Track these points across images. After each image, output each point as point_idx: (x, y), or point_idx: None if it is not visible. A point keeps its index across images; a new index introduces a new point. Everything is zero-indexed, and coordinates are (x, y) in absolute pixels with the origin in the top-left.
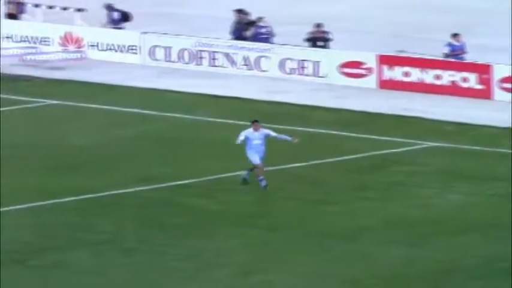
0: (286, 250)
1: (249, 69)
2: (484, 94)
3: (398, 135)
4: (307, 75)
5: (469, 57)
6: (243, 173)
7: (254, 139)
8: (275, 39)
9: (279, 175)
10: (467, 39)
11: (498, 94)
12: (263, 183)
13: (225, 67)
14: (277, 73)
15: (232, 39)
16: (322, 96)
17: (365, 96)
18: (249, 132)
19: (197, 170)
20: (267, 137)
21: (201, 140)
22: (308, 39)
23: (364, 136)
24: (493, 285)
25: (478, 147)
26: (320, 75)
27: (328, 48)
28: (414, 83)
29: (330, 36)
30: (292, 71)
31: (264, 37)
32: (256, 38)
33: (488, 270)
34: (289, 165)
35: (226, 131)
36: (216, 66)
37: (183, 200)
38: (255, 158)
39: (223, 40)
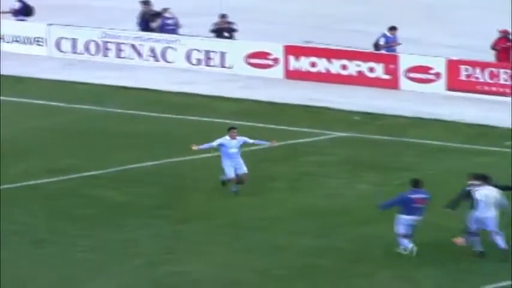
0: (196, 241)
1: (156, 61)
2: (391, 84)
3: (306, 125)
4: (213, 66)
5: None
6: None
7: (231, 147)
8: (181, 31)
9: (187, 166)
10: (379, 29)
11: (405, 84)
12: (234, 188)
13: (131, 58)
14: (184, 64)
15: (138, 30)
16: (229, 86)
17: (272, 87)
18: (225, 140)
19: (105, 162)
20: (242, 145)
21: (110, 131)
22: (214, 30)
23: (272, 127)
24: (401, 274)
25: (385, 137)
26: (226, 66)
27: (233, 39)
28: (321, 73)
29: (235, 27)
30: (198, 62)
31: (170, 28)
32: (162, 29)
33: (396, 260)
34: (196, 156)
35: (134, 123)
36: (122, 57)
37: (91, 192)
38: (230, 171)
39: (130, 31)
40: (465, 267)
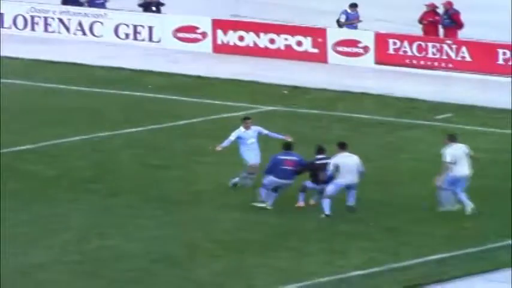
0: (126, 215)
1: (84, 35)
2: (319, 58)
3: (234, 99)
4: (141, 40)
5: (304, 21)
6: (235, 179)
7: (248, 138)
8: (109, 5)
9: (116, 140)
10: (305, 3)
11: (333, 58)
12: (249, 181)
13: (59, 33)
14: (112, 38)
15: (66, 5)
16: (157, 61)
17: (200, 61)
18: (240, 132)
19: (35, 136)
20: (259, 135)
21: (38, 106)
22: (141, 5)
23: (200, 101)
24: (330, 247)
25: (314, 111)
26: (154, 40)
27: (161, 13)
28: (249, 47)
29: (163, 0)
30: (126, 36)
31: (98, 3)
32: (91, 3)
33: (326, 233)
34: (124, 130)
35: (62, 97)
36: (50, 32)
37: (21, 166)
38: (249, 156)
39: (57, 6)
40: (398, 240)
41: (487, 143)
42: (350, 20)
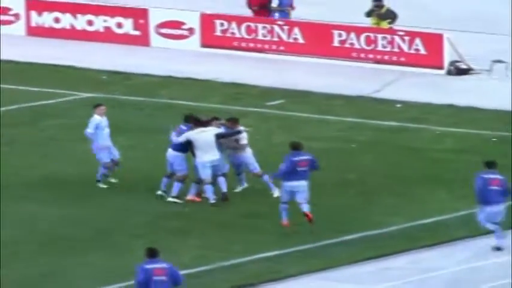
0: None
1: None
2: (141, 41)
3: (50, 86)
4: None
5: (125, 1)
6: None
7: (104, 128)
8: None
9: None
10: None
11: (156, 40)
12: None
13: None
14: None
15: None
16: None
17: (13, 44)
18: (96, 119)
19: None
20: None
21: None
22: None
23: (13, 87)
24: (157, 244)
25: (136, 98)
26: None
27: None
28: (65, 29)
29: None
30: None
31: None
32: None
33: (155, 229)
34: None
35: None
36: None
37: None
38: (105, 156)
39: None
40: (228, 236)
41: (322, 132)
42: (283, 6)
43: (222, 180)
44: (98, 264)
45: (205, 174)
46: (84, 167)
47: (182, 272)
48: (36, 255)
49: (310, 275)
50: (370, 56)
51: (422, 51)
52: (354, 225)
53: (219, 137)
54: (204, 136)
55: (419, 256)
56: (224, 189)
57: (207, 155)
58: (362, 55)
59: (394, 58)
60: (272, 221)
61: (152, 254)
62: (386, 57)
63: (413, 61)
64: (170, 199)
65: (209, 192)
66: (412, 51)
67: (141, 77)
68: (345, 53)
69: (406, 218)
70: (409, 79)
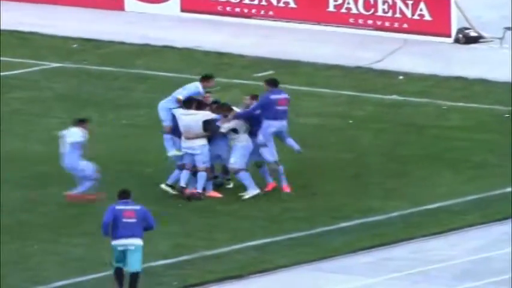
0: None
1: None
2: (115, 5)
3: (13, 54)
4: None
5: None
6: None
7: None
8: None
9: None
10: None
11: (131, 4)
12: None
13: None
14: None
15: None
16: None
17: None
18: None
19: None
20: None
21: None
22: None
23: None
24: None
25: (109, 68)
26: None
27: None
28: None
29: None
30: None
31: None
32: None
33: None
34: None
35: None
36: None
37: None
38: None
39: None
40: (210, 222)
41: (316, 107)
42: None
43: (200, 176)
44: (67, 252)
45: (185, 159)
46: (51, 144)
47: (160, 263)
48: None
49: (302, 266)
50: (370, 22)
51: (427, 17)
52: (349, 210)
53: (205, 123)
54: (189, 119)
55: (423, 245)
56: (199, 188)
57: (186, 141)
58: (360, 21)
59: (396, 24)
60: (259, 206)
61: (124, 195)
62: (387, 24)
63: (417, 28)
64: (164, 186)
65: (182, 178)
66: (416, 17)
67: (114, 45)
68: (341, 19)
69: (408, 202)
70: (412, 48)
